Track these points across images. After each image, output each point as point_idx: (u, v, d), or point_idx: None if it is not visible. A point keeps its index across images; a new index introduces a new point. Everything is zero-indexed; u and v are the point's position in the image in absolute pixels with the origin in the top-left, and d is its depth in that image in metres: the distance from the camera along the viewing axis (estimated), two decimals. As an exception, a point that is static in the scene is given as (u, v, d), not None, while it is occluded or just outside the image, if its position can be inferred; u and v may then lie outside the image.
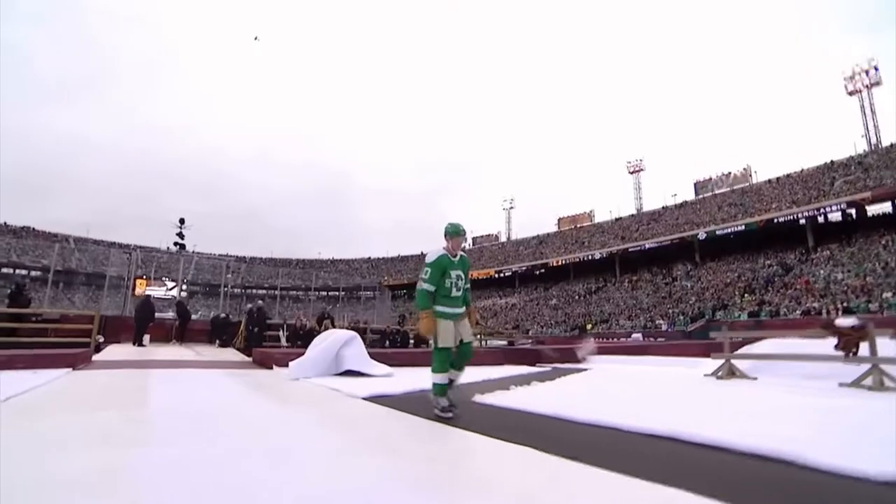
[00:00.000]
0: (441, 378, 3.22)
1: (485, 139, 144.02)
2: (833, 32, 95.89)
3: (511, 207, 59.00)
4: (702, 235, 35.28)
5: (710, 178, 44.71)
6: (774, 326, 18.33)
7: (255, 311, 10.17)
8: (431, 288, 3.24)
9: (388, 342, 11.55)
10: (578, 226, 51.16)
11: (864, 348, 5.59)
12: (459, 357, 3.35)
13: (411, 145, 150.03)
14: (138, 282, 19.02)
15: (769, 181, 39.47)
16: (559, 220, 53.16)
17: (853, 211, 31.00)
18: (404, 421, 3.23)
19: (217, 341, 12.10)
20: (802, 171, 37.67)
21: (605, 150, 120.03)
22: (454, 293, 3.31)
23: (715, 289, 30.16)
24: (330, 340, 6.22)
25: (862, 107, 34.59)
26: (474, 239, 62.53)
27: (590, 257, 42.29)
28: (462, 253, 3.47)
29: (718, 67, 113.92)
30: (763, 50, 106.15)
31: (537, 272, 47.25)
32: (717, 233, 34.26)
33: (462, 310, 3.40)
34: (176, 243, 25.42)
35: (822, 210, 29.91)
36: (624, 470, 1.95)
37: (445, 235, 3.43)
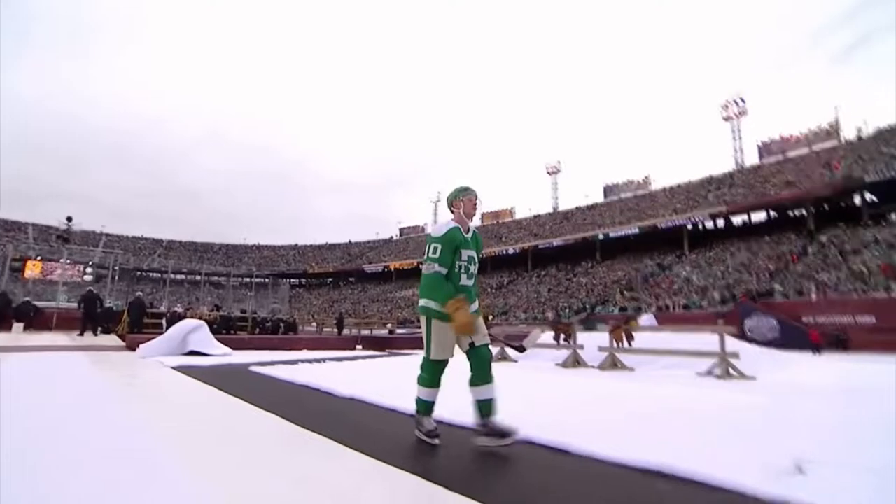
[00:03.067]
0: (428, 394, 2.47)
1: (424, 135, 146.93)
2: (718, 66, 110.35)
3: (437, 200, 61.19)
4: (601, 236, 39.21)
5: (618, 183, 49.24)
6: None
7: (136, 301, 11.32)
8: (444, 270, 2.40)
9: (258, 329, 13.05)
10: (500, 221, 54.37)
11: (701, 342, 6.79)
12: (476, 368, 2.42)
13: (364, 138, 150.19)
14: (29, 263, 18.63)
15: (663, 189, 44.31)
16: (483, 215, 56.09)
17: (721, 221, 35.99)
18: (189, 385, 4.67)
19: (98, 329, 12.90)
20: (689, 182, 42.73)
21: (529, 151, 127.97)
22: (464, 281, 2.46)
23: (604, 285, 33.98)
24: (178, 327, 7.76)
25: (733, 131, 39.91)
26: (401, 230, 64.24)
27: (505, 252, 45.37)
28: (475, 230, 2.62)
29: (635, 85, 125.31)
30: (670, 73, 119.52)
31: (458, 265, 49.75)
32: (611, 235, 38.29)
33: (475, 305, 2.54)
34: (59, 237, 24.17)
35: (694, 219, 34.47)
36: (349, 441, 2.37)
37: (454, 202, 2.58)
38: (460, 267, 2.45)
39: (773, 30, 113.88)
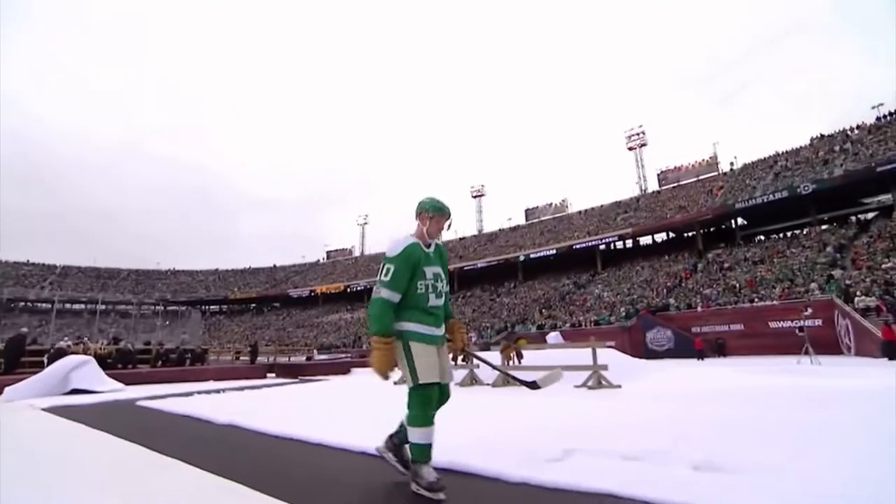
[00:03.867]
0: (423, 434, 2.06)
1: (354, 154, 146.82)
2: (626, 102, 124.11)
3: (365, 223, 60.98)
4: (522, 257, 41.16)
5: (538, 207, 52.12)
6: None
7: (14, 339, 10.33)
8: (396, 297, 2.08)
9: (161, 362, 12.38)
10: (428, 244, 55.15)
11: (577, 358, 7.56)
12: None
13: (293, 153, 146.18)
14: None
15: (579, 212, 47.56)
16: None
17: (629, 242, 39.33)
18: (51, 424, 4.58)
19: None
20: (601, 206, 46.30)
21: (454, 173, 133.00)
22: (433, 301, 2.17)
23: (525, 305, 35.59)
24: (59, 364, 7.29)
25: (636, 160, 44.15)
26: (328, 253, 63.05)
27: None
28: (439, 242, 2.36)
29: (556, 113, 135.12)
30: (587, 106, 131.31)
31: (387, 287, 49.62)
32: (532, 256, 40.36)
33: (442, 329, 2.26)
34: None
35: (605, 240, 37.36)
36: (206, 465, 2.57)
37: (421, 214, 2.27)
38: (426, 287, 2.14)
39: (672, 73, 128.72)
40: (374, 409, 4.93)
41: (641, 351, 21.52)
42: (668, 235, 37.58)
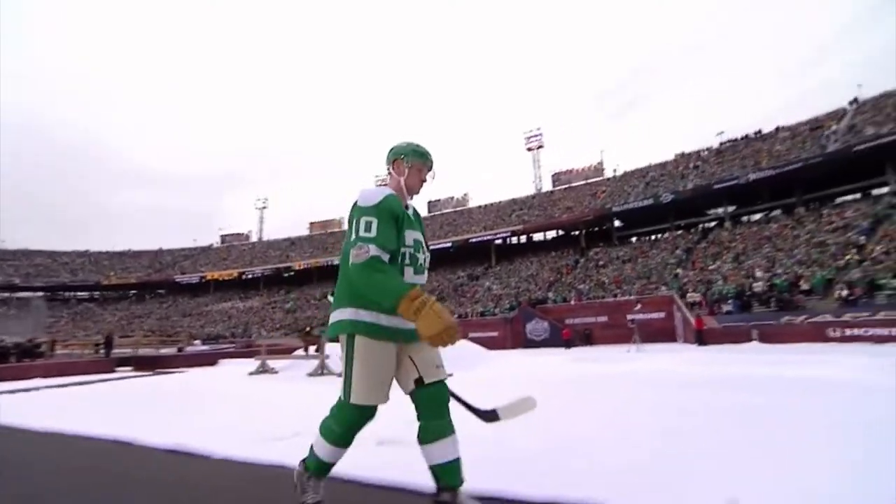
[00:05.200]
0: (331, 453, 1.63)
1: (254, 133, 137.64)
2: (530, 108, 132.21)
3: (264, 207, 57.88)
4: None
5: (441, 199, 53.21)
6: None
7: None
8: (386, 254, 1.53)
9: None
10: (329, 231, 53.83)
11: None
12: (428, 415, 1.62)
13: (184, 119, 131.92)
14: None
15: (479, 207, 49.44)
16: (311, 223, 54.86)
17: (524, 237, 41.86)
18: None
19: None
20: (500, 202, 48.56)
21: (360, 159, 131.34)
22: (411, 276, 1.65)
23: (422, 294, 36.41)
24: None
25: (533, 161, 47.04)
26: (223, 237, 58.85)
27: (330, 263, 45.13)
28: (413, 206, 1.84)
29: (461, 108, 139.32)
30: (492, 104, 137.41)
31: (284, 275, 47.77)
32: (431, 247, 41.17)
33: None
34: None
35: (499, 235, 39.38)
36: None
37: (396, 162, 1.78)
38: (404, 255, 1.62)
39: (573, 84, 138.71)
40: (206, 403, 5.03)
41: (521, 341, 23.28)
42: (557, 233, 40.63)
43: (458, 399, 1.75)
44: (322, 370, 8.24)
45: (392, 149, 1.78)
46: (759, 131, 32.56)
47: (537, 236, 42.09)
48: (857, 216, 21.58)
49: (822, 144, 25.56)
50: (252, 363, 9.75)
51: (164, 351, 18.25)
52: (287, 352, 10.71)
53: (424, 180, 1.79)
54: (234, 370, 10.16)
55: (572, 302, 25.30)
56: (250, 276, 48.93)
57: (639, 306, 15.52)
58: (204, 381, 7.86)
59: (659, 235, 32.02)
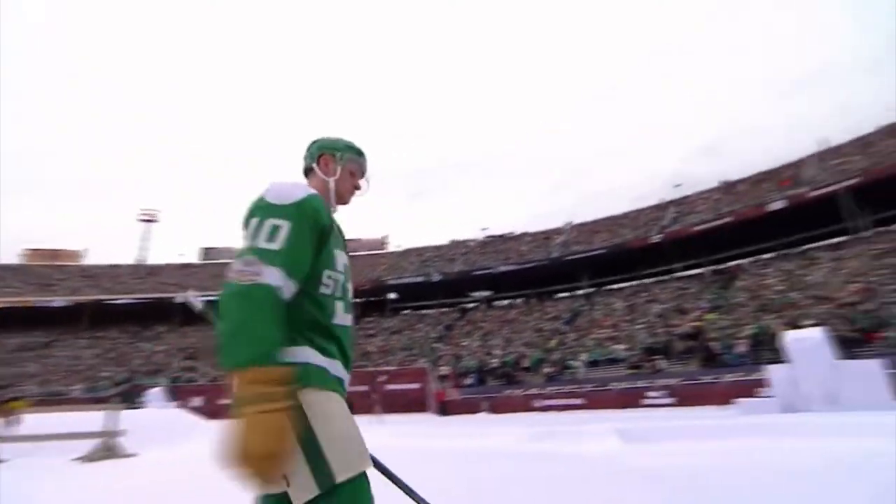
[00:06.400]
0: None
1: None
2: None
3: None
4: (181, 299, 36.24)
5: (220, 248, 48.13)
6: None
7: None
8: (291, 284, 0.93)
9: None
10: (56, 263, 42.32)
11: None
12: None
13: None
14: None
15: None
16: (29, 252, 42.42)
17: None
18: None
19: None
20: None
21: (118, 191, 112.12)
22: (340, 317, 1.09)
23: (168, 353, 30.94)
24: None
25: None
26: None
27: (49, 304, 35.04)
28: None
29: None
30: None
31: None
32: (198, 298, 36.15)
33: (349, 377, 1.13)
34: None
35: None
36: None
37: (323, 157, 1.27)
38: (335, 285, 1.09)
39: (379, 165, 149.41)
40: None
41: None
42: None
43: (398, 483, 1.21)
44: (108, 451, 5.91)
45: (317, 141, 1.33)
46: (512, 233, 39.90)
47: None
48: (564, 309, 27.80)
49: (549, 251, 32.71)
50: None
51: None
52: None
53: (358, 188, 1.35)
54: None
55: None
56: None
57: (385, 377, 16.29)
58: None
59: (427, 311, 34.98)
